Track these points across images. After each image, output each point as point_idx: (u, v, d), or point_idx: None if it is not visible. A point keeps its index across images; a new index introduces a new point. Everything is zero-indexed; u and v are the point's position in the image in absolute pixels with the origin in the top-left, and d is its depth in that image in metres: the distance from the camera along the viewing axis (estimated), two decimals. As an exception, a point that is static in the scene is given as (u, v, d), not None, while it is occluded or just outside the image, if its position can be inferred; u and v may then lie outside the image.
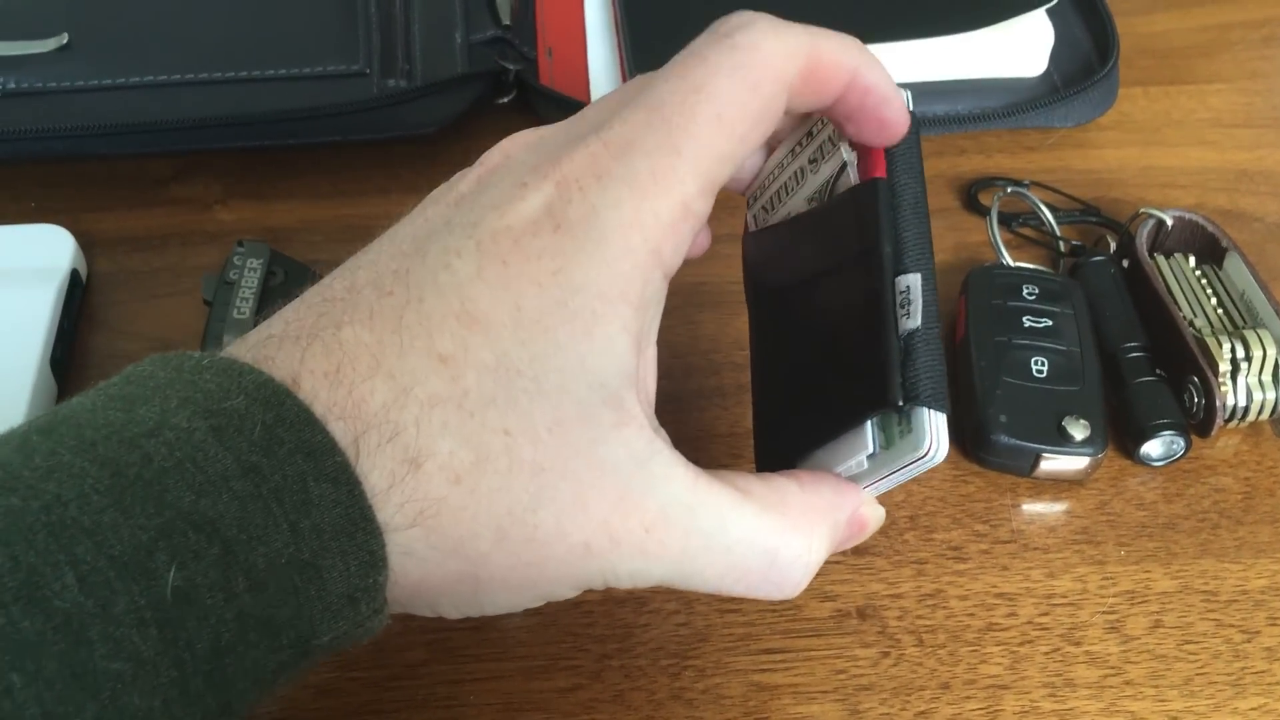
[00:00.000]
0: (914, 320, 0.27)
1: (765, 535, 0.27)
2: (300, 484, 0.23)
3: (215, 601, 0.22)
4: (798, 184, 0.30)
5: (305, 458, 0.23)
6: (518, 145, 0.28)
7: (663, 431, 0.26)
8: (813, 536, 0.27)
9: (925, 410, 0.26)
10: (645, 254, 0.25)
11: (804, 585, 0.28)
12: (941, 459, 0.26)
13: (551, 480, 0.24)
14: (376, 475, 0.23)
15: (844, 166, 0.29)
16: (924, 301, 0.27)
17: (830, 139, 0.29)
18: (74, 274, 0.41)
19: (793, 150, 0.30)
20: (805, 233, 0.30)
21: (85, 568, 0.20)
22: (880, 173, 0.28)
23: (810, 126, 0.30)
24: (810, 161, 0.30)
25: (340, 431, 0.23)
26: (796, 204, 0.30)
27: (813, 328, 0.30)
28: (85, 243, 0.42)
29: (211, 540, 0.22)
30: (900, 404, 0.26)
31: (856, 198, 0.28)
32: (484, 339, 0.24)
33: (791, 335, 0.30)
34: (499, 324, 0.24)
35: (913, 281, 0.27)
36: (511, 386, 0.24)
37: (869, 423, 0.27)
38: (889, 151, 0.28)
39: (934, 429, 0.26)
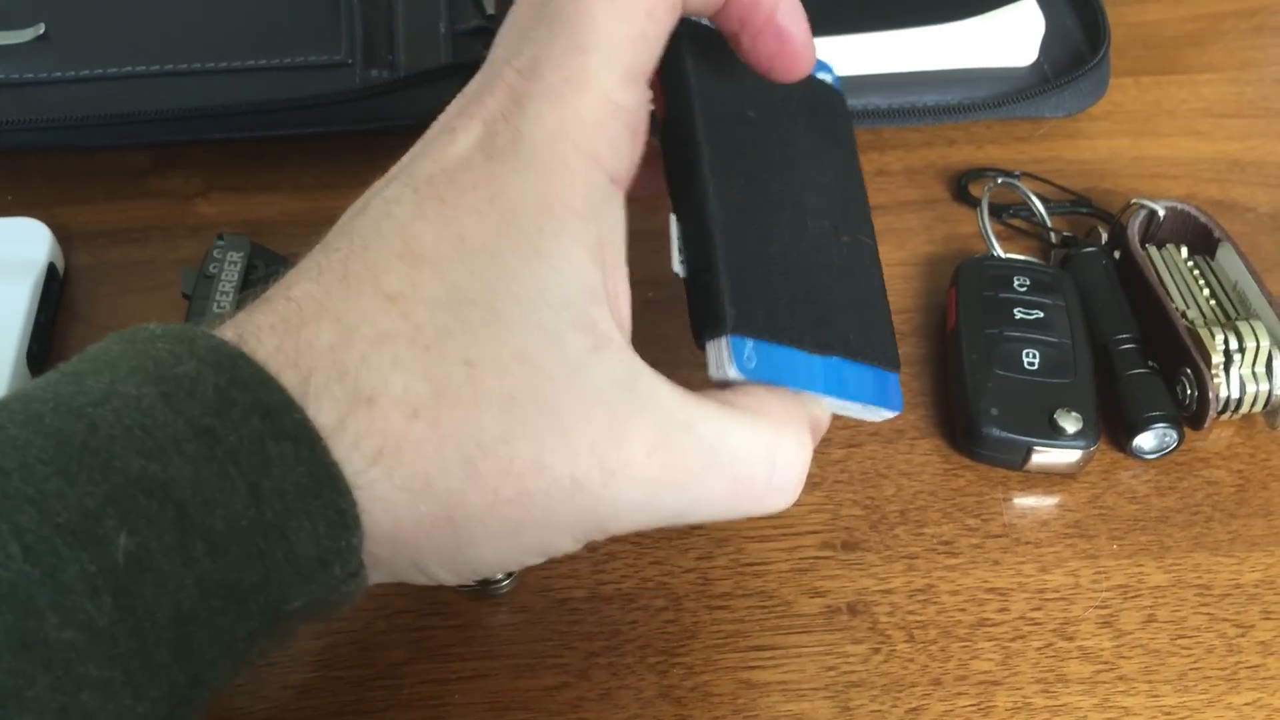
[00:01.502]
0: (675, 266, 0.27)
1: (762, 439, 0.26)
2: (258, 444, 0.22)
3: (173, 567, 0.21)
4: None
5: (261, 418, 0.22)
6: (449, 110, 0.27)
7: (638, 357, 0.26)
8: (802, 432, 0.27)
9: (713, 342, 0.27)
10: (580, 160, 0.25)
11: (797, 493, 0.27)
12: (722, 376, 0.27)
13: (525, 411, 0.24)
14: (325, 417, 0.23)
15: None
16: (677, 245, 0.28)
17: None
18: (51, 268, 0.40)
19: None
20: None
21: (30, 536, 0.20)
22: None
23: None
24: None
25: (289, 380, 0.23)
26: None
27: None
28: (63, 236, 0.42)
29: (164, 504, 0.21)
30: (702, 343, 0.27)
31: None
32: (431, 274, 0.24)
33: None
34: (445, 258, 0.24)
35: (673, 222, 0.28)
36: (468, 318, 0.24)
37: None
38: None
39: (714, 357, 0.27)
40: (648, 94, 0.26)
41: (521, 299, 0.24)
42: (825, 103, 0.32)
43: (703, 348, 0.27)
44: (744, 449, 0.26)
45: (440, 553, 0.25)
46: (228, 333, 0.24)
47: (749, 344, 0.27)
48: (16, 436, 0.21)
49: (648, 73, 0.26)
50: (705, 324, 0.27)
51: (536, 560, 0.26)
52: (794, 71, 0.28)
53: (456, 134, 0.25)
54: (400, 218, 0.25)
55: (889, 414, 0.30)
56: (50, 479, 0.21)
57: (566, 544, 0.26)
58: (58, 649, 0.20)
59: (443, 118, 0.27)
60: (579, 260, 0.24)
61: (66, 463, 0.21)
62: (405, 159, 0.27)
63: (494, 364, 0.24)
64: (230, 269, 0.39)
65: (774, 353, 0.27)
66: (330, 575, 0.23)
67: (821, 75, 0.33)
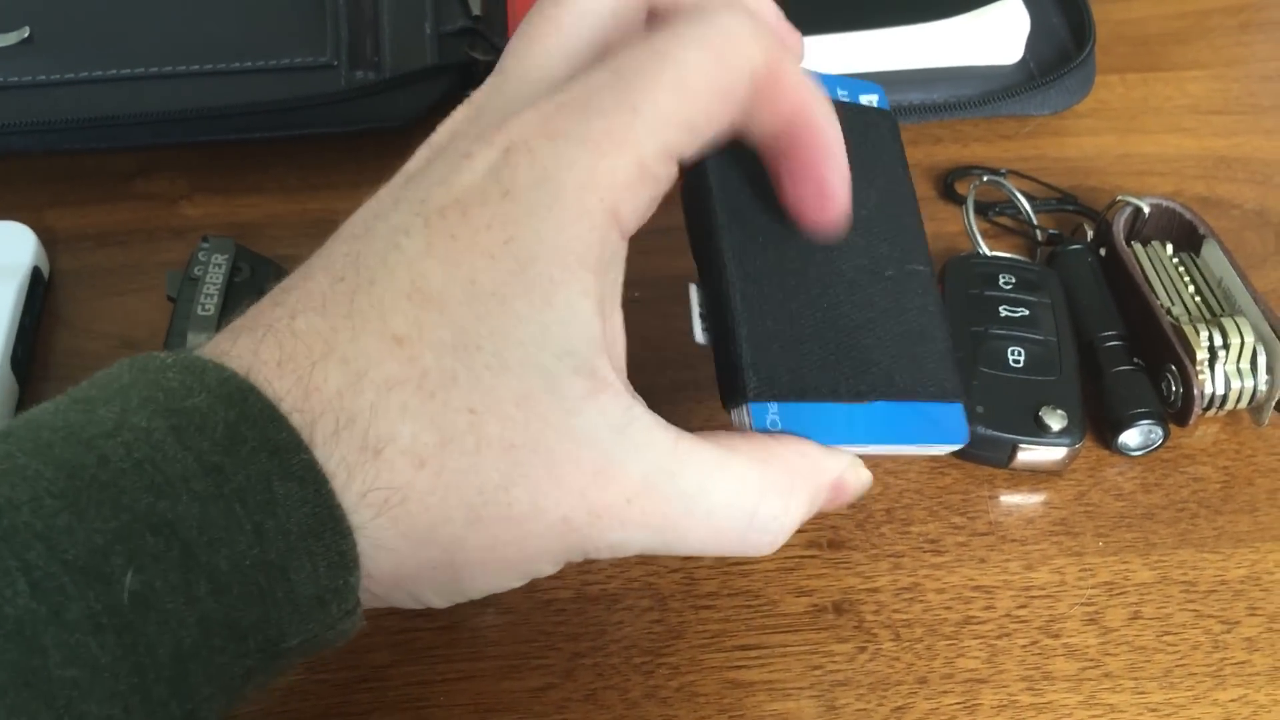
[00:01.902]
0: (698, 336, 0.28)
1: (745, 496, 0.26)
2: (264, 484, 0.22)
3: (176, 605, 0.21)
4: None
5: (269, 456, 0.22)
6: (459, 119, 0.27)
7: (639, 397, 0.26)
8: (790, 497, 0.27)
9: (735, 410, 0.27)
10: (602, 215, 0.24)
11: (778, 545, 0.27)
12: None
13: (523, 456, 0.24)
14: (333, 465, 0.23)
15: None
16: (698, 313, 0.28)
17: None
18: (35, 271, 0.40)
19: None
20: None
21: (37, 573, 0.20)
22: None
23: None
24: None
25: (297, 423, 0.23)
26: None
27: None
28: (47, 239, 0.42)
29: (170, 543, 0.21)
30: (728, 409, 0.28)
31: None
32: (439, 316, 0.24)
33: None
34: (453, 300, 0.24)
35: (692, 291, 0.29)
36: (473, 363, 0.24)
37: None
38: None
39: (737, 425, 0.27)
40: (676, 173, 0.26)
41: (526, 344, 0.24)
42: (869, 129, 0.31)
43: (729, 413, 0.28)
44: (723, 502, 0.26)
45: (436, 586, 0.26)
46: (236, 362, 0.24)
47: (772, 408, 0.27)
48: (26, 466, 0.21)
49: (683, 157, 0.26)
50: (729, 393, 0.27)
51: (521, 583, 0.27)
52: (821, 223, 0.28)
53: (473, 159, 0.25)
54: (410, 252, 0.24)
55: (952, 447, 0.30)
56: (60, 514, 0.20)
57: (549, 569, 0.26)
58: (60, 686, 0.20)
59: (454, 125, 0.27)
60: (584, 311, 0.24)
61: (76, 497, 0.21)
62: (412, 169, 0.27)
63: (496, 410, 0.24)
64: (215, 271, 0.39)
65: (802, 412, 0.27)
66: (327, 614, 0.24)
67: (866, 98, 0.32)
